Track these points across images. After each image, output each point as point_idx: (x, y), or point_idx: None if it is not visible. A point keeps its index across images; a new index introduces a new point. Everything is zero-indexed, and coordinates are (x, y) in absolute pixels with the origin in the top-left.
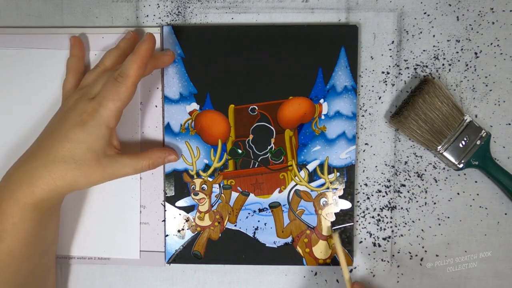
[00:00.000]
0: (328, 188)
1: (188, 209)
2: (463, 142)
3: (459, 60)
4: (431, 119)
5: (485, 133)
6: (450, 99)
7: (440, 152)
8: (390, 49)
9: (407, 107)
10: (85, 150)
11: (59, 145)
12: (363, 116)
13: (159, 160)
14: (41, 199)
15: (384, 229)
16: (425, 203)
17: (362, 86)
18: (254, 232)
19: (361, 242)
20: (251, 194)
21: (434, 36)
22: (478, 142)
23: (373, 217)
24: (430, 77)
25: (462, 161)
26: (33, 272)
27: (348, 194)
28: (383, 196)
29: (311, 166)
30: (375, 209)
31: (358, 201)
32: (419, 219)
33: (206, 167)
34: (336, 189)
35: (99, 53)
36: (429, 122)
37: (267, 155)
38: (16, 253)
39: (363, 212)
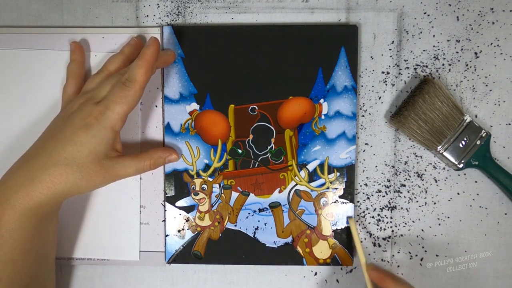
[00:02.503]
0: (328, 188)
1: (188, 209)
2: (463, 142)
3: (459, 60)
4: (431, 119)
5: (485, 133)
6: (450, 99)
7: (440, 152)
8: (390, 49)
9: (407, 107)
10: (87, 153)
11: (61, 147)
12: (363, 116)
13: (160, 160)
14: (40, 204)
15: (384, 229)
16: (425, 203)
17: (362, 86)
18: (254, 232)
19: (361, 242)
20: (251, 194)
21: (434, 36)
22: (478, 142)
23: (373, 217)
24: (430, 77)
25: (462, 161)
26: (33, 278)
27: (348, 194)
28: (383, 196)
29: (311, 166)
30: (375, 209)
31: (358, 201)
32: (419, 219)
33: (206, 167)
34: (336, 189)
35: (99, 54)
36: (429, 122)
37: (267, 155)
38: (16, 260)
39: (363, 212)
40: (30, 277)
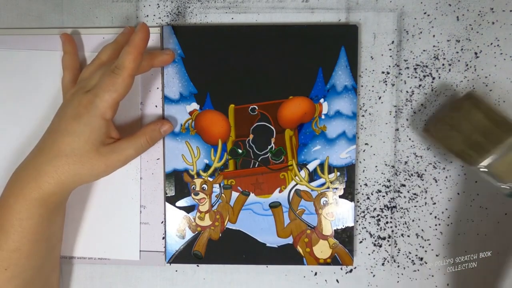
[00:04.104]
0: (328, 187)
1: (188, 209)
2: None
3: (459, 60)
4: (467, 130)
5: None
6: (493, 113)
7: (483, 170)
8: (390, 49)
9: (438, 115)
10: (83, 142)
11: (59, 139)
12: (363, 116)
13: (155, 133)
14: (48, 194)
15: (384, 229)
16: (425, 203)
17: (362, 86)
18: (254, 232)
19: (361, 242)
20: (251, 193)
21: (434, 36)
22: None
23: (373, 217)
24: (472, 91)
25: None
26: (39, 270)
27: (349, 193)
28: (383, 196)
29: (311, 166)
30: (375, 209)
31: (358, 201)
32: (419, 219)
33: (207, 167)
34: (336, 188)
35: None
36: (464, 133)
37: (267, 155)
38: (23, 249)
39: (363, 212)
40: (35, 269)
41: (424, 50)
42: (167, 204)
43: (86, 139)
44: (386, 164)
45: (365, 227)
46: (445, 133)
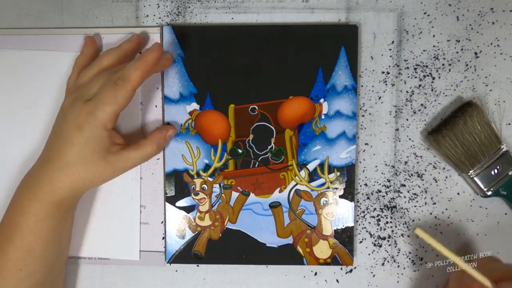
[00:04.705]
0: (328, 187)
1: (188, 209)
2: (495, 171)
3: (459, 60)
4: (468, 142)
5: None
6: (490, 125)
7: (471, 176)
8: (390, 49)
9: (446, 127)
10: (91, 152)
11: (66, 149)
12: (363, 116)
13: (161, 140)
14: (62, 198)
15: (384, 229)
16: (425, 203)
17: (362, 86)
18: (254, 232)
19: (361, 242)
20: (251, 194)
21: (434, 36)
22: (511, 173)
23: (373, 217)
24: (474, 101)
25: (491, 189)
26: (49, 271)
27: (349, 193)
28: (383, 196)
29: (311, 166)
30: (375, 209)
31: (358, 201)
32: (419, 219)
33: (207, 167)
34: (336, 188)
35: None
36: (466, 145)
37: (267, 155)
38: (36, 250)
39: (363, 212)
40: (46, 270)
41: (424, 50)
42: (167, 204)
43: (92, 149)
44: (386, 164)
45: (365, 227)
46: (449, 144)
